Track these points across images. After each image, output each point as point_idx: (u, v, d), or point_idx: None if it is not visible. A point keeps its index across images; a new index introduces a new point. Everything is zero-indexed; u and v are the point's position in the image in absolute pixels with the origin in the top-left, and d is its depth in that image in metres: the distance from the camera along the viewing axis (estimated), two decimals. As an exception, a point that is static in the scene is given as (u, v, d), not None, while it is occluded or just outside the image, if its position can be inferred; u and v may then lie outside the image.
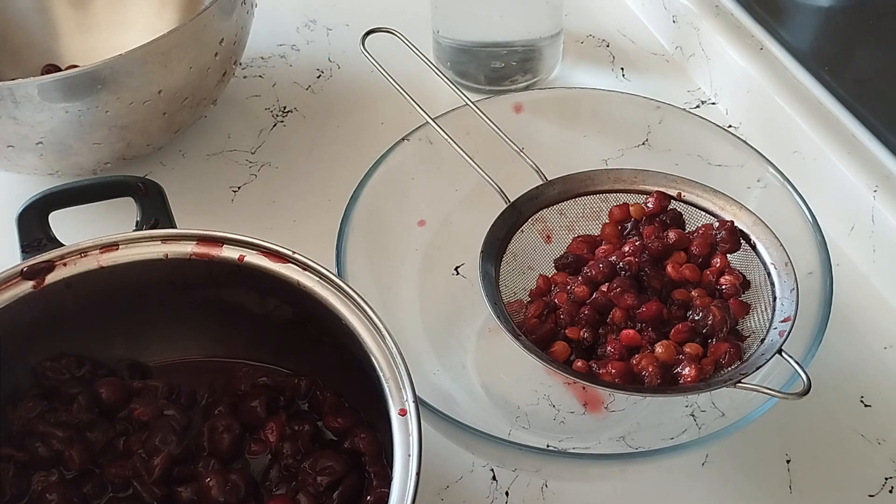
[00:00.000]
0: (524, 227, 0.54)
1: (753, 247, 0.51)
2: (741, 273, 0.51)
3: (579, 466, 0.49)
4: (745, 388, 0.45)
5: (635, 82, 0.76)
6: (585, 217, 0.55)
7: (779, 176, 0.54)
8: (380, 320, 0.43)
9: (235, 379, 0.49)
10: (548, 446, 0.51)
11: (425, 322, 0.56)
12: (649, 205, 0.53)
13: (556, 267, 0.54)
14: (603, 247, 0.53)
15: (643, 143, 0.61)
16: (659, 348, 0.47)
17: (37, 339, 0.47)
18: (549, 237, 0.55)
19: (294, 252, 0.46)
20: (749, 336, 0.49)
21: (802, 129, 0.64)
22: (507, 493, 0.51)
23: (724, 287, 0.50)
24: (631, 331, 0.49)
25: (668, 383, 0.47)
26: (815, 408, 0.54)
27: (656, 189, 0.54)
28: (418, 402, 0.40)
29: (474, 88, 0.72)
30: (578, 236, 0.55)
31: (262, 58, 0.79)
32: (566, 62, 0.77)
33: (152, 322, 0.50)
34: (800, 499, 0.50)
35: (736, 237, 0.51)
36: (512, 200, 0.54)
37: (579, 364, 0.48)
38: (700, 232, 0.52)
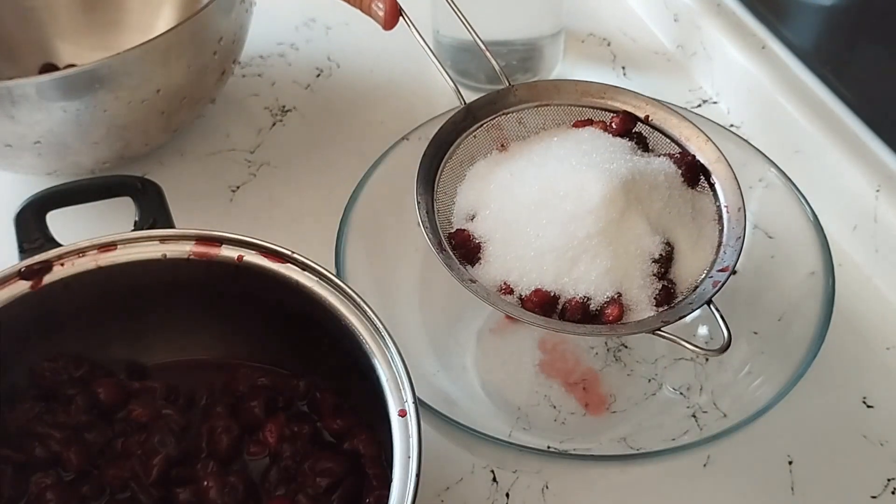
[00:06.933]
0: (477, 133, 0.50)
1: (712, 186, 0.49)
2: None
3: (580, 468, 0.48)
4: (663, 337, 0.43)
5: (636, 81, 0.75)
6: (546, 129, 0.51)
7: (781, 175, 0.54)
8: (380, 320, 0.43)
9: (234, 380, 0.49)
10: (548, 447, 0.51)
11: (425, 322, 0.56)
12: (614, 125, 0.50)
13: None
14: None
15: (644, 143, 0.60)
16: None
17: (34, 339, 0.47)
18: (503, 146, 0.51)
19: (293, 252, 0.46)
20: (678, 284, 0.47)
21: (805, 128, 0.63)
22: (507, 495, 0.51)
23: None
24: None
25: (589, 320, 0.45)
26: (818, 409, 0.53)
27: (623, 108, 0.51)
28: (418, 402, 0.40)
29: (475, 87, 0.72)
30: None
31: (261, 57, 0.78)
32: (567, 61, 0.77)
33: (151, 322, 0.50)
34: (802, 500, 0.50)
35: (695, 173, 0.49)
36: (467, 102, 0.50)
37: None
38: None
